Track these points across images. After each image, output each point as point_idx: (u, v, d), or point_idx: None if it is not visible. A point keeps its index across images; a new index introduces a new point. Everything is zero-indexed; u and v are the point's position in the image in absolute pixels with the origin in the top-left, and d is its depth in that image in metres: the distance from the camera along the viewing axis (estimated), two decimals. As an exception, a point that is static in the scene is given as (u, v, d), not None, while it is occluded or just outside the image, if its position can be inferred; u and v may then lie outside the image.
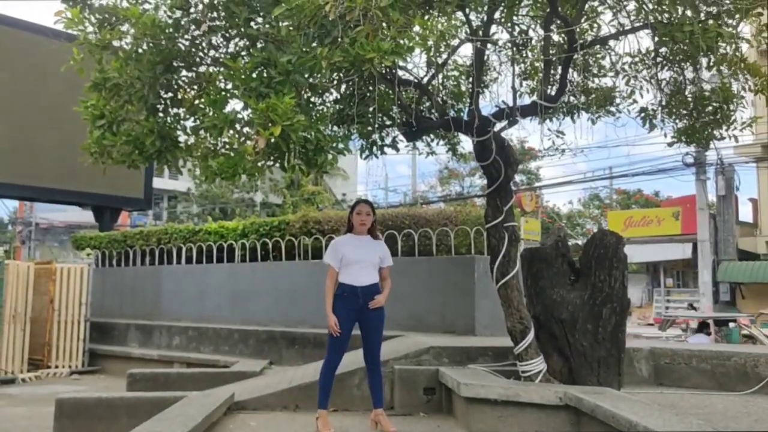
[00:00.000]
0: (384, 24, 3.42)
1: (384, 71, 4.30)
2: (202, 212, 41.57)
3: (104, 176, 13.65)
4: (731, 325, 12.49)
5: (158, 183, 28.55)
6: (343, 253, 4.94)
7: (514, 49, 5.69)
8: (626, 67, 5.54)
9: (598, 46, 5.56)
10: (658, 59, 5.27)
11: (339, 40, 3.57)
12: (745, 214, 26.30)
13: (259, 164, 3.79)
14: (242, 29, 4.01)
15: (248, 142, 3.80)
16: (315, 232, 9.58)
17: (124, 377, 7.72)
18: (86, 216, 25.97)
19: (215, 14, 4.07)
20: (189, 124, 4.76)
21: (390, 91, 5.09)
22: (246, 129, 4.08)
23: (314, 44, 3.76)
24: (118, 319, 11.22)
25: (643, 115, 5.58)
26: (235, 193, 41.65)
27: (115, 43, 4.42)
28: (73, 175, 14.51)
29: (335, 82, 4.31)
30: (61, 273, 10.48)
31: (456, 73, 6.42)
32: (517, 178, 34.45)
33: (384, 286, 5.09)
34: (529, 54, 6.05)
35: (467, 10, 5.08)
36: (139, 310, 11.24)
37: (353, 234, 5.12)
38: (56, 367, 10.24)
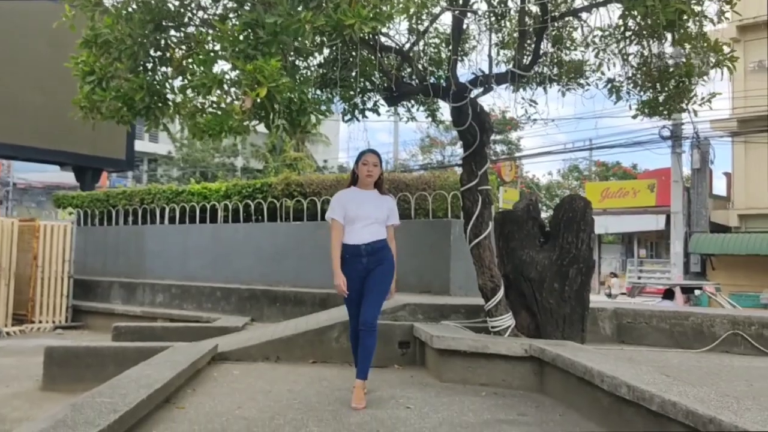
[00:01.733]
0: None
1: (366, 37, 4.49)
2: (183, 176, 41.48)
3: (86, 136, 13.76)
4: (697, 292, 12.99)
5: (138, 145, 28.36)
6: (348, 209, 4.46)
7: (492, 18, 5.89)
8: (596, 40, 5.77)
9: (571, 18, 5.78)
10: (627, 33, 5.50)
11: (323, 5, 3.76)
12: (720, 188, 26.89)
13: (245, 123, 3.99)
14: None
15: (235, 102, 4.00)
16: (297, 194, 9.80)
17: (107, 332, 7.94)
18: (65, 177, 25.82)
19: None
20: (177, 83, 4.92)
21: (372, 57, 5.27)
22: (233, 89, 4.27)
23: (300, 8, 3.94)
24: (101, 277, 11.40)
25: (610, 86, 5.84)
26: (216, 158, 41.59)
27: (107, 1, 4.56)
28: (55, 134, 14.53)
29: (318, 46, 4.49)
30: (44, 230, 10.61)
31: (437, 40, 6.60)
32: (498, 148, 34.82)
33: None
34: (507, 24, 6.25)
35: (448, -21, 5.27)
36: (122, 269, 11.42)
37: (358, 187, 4.62)
38: (40, 322, 10.43)
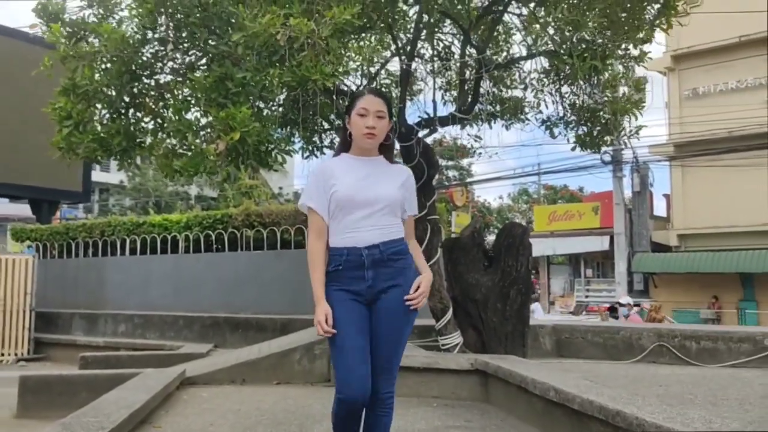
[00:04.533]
0: (325, 50, 4.14)
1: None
2: (136, 205, 41.19)
3: (41, 169, 13.82)
4: (636, 309, 13.93)
5: (90, 175, 28.19)
6: (335, 187, 2.77)
7: (436, 64, 6.49)
8: (534, 81, 6.44)
9: (510, 59, 6.44)
10: (560, 75, 6.17)
11: (286, 62, 4.27)
12: (661, 209, 28.16)
13: (219, 164, 4.45)
14: (202, 45, 4.65)
15: (206, 145, 4.46)
16: (257, 224, 10.21)
17: (70, 364, 8.15)
18: (14, 209, 25.48)
19: (179, 33, 4.69)
20: (150, 126, 5.36)
21: (329, 101, 5.79)
22: (203, 133, 4.74)
23: (266, 62, 4.45)
24: (62, 309, 11.52)
25: (547, 124, 6.50)
26: (170, 186, 41.42)
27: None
28: (10, 167, 14.59)
29: (282, 93, 4.99)
30: (5, 264, 10.74)
31: (387, 81, 7.18)
32: (450, 173, 35.74)
33: (411, 249, 2.94)
34: (452, 66, 6.87)
35: (395, 32, 5.85)
36: (83, 300, 11.57)
37: (352, 154, 2.92)
38: (2, 355, 10.52)
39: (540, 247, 24.67)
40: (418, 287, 2.84)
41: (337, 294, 2.77)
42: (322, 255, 2.81)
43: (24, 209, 19.14)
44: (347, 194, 2.77)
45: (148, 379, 5.65)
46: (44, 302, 11.53)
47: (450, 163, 35.14)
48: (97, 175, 41.08)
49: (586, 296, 24.98)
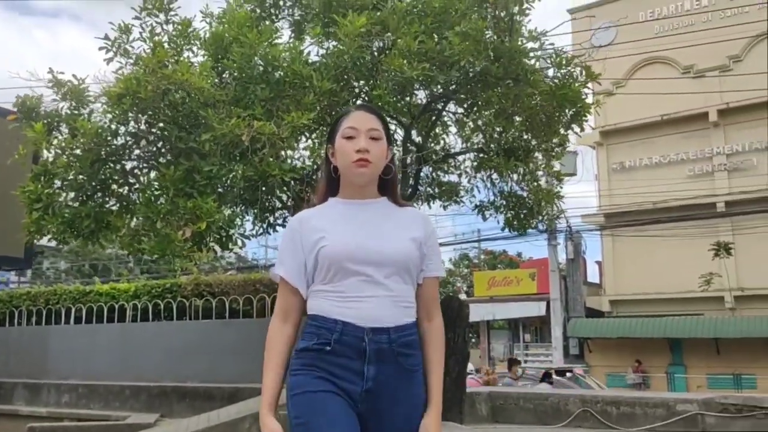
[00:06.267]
0: (283, 148, 4.70)
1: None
2: (71, 268, 40.24)
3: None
4: (568, 374, 14.63)
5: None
6: (324, 241, 2.06)
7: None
8: (467, 169, 7.15)
9: (447, 154, 7.16)
10: (491, 164, 6.89)
11: (248, 156, 4.81)
12: (595, 275, 29.43)
13: (184, 248, 4.88)
14: (171, 140, 5.14)
15: (177, 231, 4.89)
16: (206, 294, 10.48)
17: (11, 434, 8.16)
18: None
19: (150, 129, 5.19)
20: (115, 208, 5.76)
21: (285, 187, 6.33)
22: (168, 218, 5.17)
23: (230, 156, 4.97)
24: (3, 378, 11.37)
25: (479, 208, 7.18)
26: (108, 248, 40.67)
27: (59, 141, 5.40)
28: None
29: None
30: (-54, 333, 10.64)
31: (336, 165, 7.77)
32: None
33: (430, 340, 2.19)
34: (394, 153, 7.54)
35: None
36: (26, 370, 11.42)
37: (342, 198, 2.18)
38: (-62, 427, 10.31)
39: (480, 312, 25.40)
40: None
41: (320, 382, 1.99)
42: (282, 344, 2.08)
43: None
44: (341, 250, 2.02)
45: (103, 450, 5.88)
46: (-17, 372, 11.38)
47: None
48: (33, 237, 40.02)
49: (525, 360, 25.63)
